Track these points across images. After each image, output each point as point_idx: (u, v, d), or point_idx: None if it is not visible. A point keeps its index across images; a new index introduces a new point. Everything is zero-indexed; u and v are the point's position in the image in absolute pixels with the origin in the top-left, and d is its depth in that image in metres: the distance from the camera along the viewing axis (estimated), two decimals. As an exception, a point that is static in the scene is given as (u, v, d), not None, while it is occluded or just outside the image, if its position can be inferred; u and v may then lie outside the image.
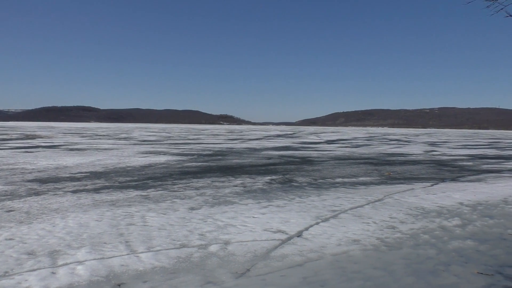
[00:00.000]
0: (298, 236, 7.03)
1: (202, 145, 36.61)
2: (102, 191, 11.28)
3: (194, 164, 19.23)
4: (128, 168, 16.78)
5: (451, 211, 9.22)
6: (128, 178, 13.84)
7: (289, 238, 6.90)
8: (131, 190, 11.47)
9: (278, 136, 65.27)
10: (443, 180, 14.84)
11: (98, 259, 5.74)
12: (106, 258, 5.78)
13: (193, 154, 24.95)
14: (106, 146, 31.44)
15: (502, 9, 3.08)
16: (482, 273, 5.53)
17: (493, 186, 13.41)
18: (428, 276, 5.33)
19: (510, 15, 3.16)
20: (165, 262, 5.67)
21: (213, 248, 6.34)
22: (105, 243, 6.49)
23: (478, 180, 14.83)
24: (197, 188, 11.90)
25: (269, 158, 22.85)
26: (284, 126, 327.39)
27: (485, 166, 20.33)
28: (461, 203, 10.14)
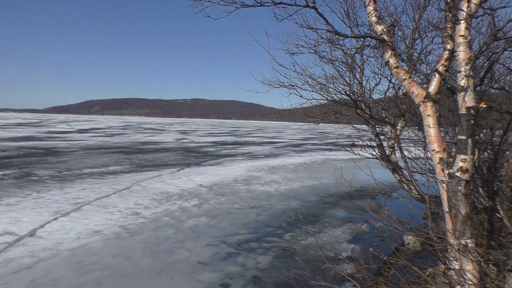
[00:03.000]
0: (30, 236, 6.31)
1: None
2: None
3: None
4: None
5: (192, 193, 10.17)
6: None
7: (19, 239, 6.11)
8: None
9: (20, 125, 56.49)
10: (188, 165, 16.17)
11: None
12: None
13: None
14: None
15: (202, 10, 3.52)
16: (210, 245, 6.34)
17: (228, 168, 15.51)
18: (164, 255, 5.74)
19: (209, 16, 3.65)
20: None
21: None
22: None
23: (217, 164, 16.85)
24: None
25: (4, 151, 19.54)
26: (28, 114, 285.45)
27: (224, 151, 23.28)
28: (200, 185, 11.31)
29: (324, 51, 7.56)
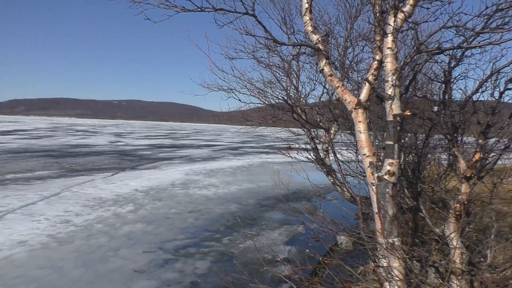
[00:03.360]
0: None
1: None
2: None
3: None
4: None
5: (127, 198, 9.81)
6: None
7: None
8: None
9: None
10: (123, 169, 15.58)
11: None
12: None
13: None
14: None
15: (142, 12, 3.44)
16: (146, 251, 6.16)
17: (165, 171, 15.18)
18: (97, 265, 5.47)
19: (149, 19, 3.58)
20: None
21: None
22: None
23: (154, 167, 16.43)
24: None
25: None
26: None
27: (161, 155, 22.75)
28: (136, 190, 10.95)
29: (262, 57, 7.70)
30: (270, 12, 8.41)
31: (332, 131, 7.79)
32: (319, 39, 3.75)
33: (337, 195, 8.12)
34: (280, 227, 8.00)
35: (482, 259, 3.71)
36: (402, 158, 5.27)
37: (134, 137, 43.45)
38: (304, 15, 3.93)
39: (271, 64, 7.86)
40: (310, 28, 3.85)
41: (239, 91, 7.72)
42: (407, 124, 5.71)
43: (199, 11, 3.52)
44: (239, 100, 7.62)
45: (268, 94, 7.91)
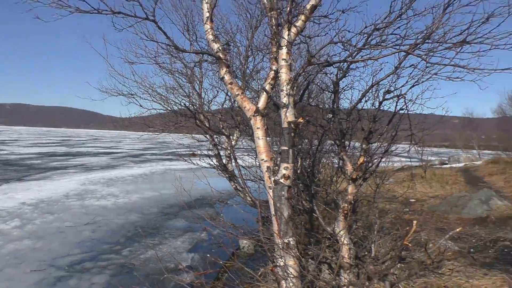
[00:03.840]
0: None
1: None
2: None
3: None
4: None
5: (12, 213, 8.84)
6: None
7: None
8: None
9: None
10: (7, 181, 14.00)
11: None
12: None
13: None
14: None
15: (30, 9, 3.18)
16: (35, 270, 5.62)
17: (58, 182, 13.99)
18: (-27, 288, 4.86)
19: (38, 17, 3.33)
20: None
21: None
22: None
23: (45, 178, 15.05)
24: None
25: None
26: None
27: (53, 164, 20.92)
28: (23, 203, 9.92)
29: (164, 62, 7.57)
30: (173, 18, 8.35)
31: (234, 138, 7.96)
32: (220, 48, 3.84)
33: (239, 200, 8.30)
34: (183, 234, 7.91)
35: (367, 253, 4.10)
36: (300, 163, 5.61)
37: (20, 145, 39.27)
38: (205, 23, 3.99)
39: (174, 70, 7.79)
40: (211, 37, 3.91)
41: (140, 97, 7.49)
42: (304, 130, 6.10)
43: (96, 13, 3.35)
44: (141, 106, 7.40)
45: (170, 100, 7.81)
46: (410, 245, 3.45)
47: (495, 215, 9.03)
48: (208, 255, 6.59)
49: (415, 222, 3.38)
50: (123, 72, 7.58)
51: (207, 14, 3.95)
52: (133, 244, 7.10)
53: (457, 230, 3.80)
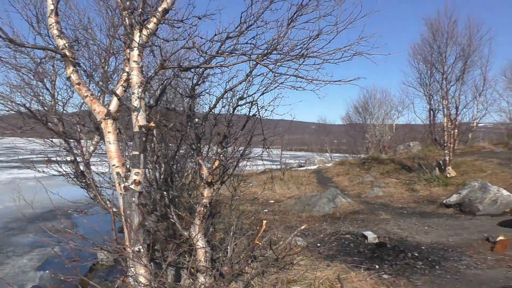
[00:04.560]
0: None
1: None
2: None
3: None
4: None
5: None
6: None
7: None
8: None
9: None
10: None
11: None
12: None
13: None
14: None
15: None
16: None
17: None
18: None
19: None
20: None
21: None
22: None
23: None
24: None
25: None
26: None
27: None
28: None
29: (7, 57, 6.67)
30: (18, 7, 7.43)
31: (93, 142, 7.41)
32: (66, 45, 3.55)
33: (99, 209, 7.76)
34: (31, 251, 7.07)
35: (223, 254, 4.21)
36: (164, 168, 5.49)
37: None
38: (49, 16, 3.65)
39: (20, 66, 6.91)
40: (56, 32, 3.59)
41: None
42: (167, 135, 6.00)
43: None
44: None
45: (17, 100, 6.91)
46: (260, 244, 3.66)
47: (339, 212, 10.21)
48: (59, 274, 5.99)
49: (264, 222, 3.60)
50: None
51: (52, 7, 3.62)
52: (-36, 267, 6.08)
53: (302, 227, 4.17)
